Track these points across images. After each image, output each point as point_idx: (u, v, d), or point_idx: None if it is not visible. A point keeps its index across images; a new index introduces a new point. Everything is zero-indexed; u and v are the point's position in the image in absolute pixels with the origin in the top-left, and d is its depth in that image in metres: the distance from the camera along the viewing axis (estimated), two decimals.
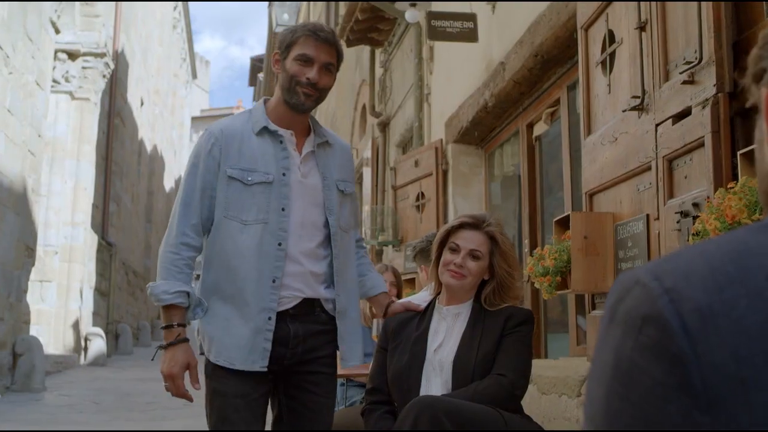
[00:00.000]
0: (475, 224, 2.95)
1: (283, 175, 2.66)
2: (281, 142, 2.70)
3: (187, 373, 2.57)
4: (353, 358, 2.78)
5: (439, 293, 2.99)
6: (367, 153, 12.12)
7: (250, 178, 2.63)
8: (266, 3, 26.35)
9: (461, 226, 2.96)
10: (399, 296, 5.01)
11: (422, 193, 8.55)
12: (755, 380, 0.59)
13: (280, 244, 2.62)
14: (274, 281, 2.60)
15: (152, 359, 2.72)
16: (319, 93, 2.69)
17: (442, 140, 8.29)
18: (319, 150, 2.79)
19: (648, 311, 0.64)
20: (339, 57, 2.74)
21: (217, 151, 2.65)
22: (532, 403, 4.57)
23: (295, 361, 2.66)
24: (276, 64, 2.75)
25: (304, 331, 2.66)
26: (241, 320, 2.59)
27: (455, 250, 2.91)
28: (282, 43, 2.72)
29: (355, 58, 13.58)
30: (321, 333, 2.70)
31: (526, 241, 6.57)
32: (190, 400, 2.59)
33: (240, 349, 2.58)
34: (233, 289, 2.61)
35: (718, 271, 0.64)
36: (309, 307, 2.68)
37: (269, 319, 2.60)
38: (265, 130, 2.70)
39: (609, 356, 0.67)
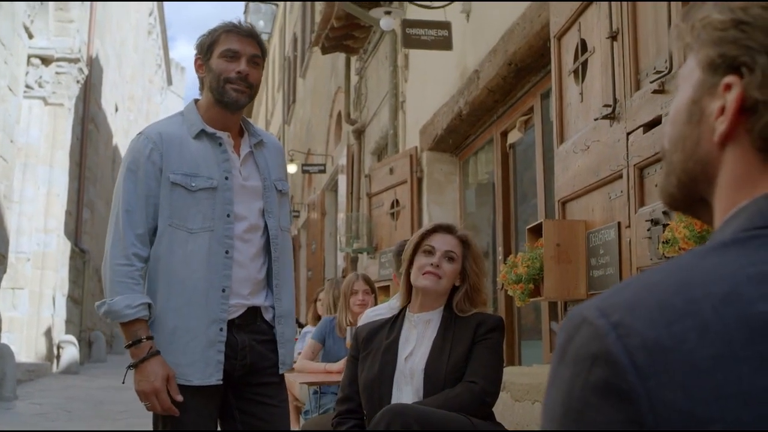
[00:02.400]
0: (448, 228, 3.00)
1: (226, 179, 2.58)
2: (220, 144, 2.62)
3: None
4: (288, 362, 2.72)
5: (408, 302, 2.98)
6: (342, 160, 12.12)
7: (194, 184, 2.53)
8: (242, 10, 26.31)
9: (434, 230, 2.99)
10: (375, 302, 5.01)
11: (397, 201, 8.56)
12: (707, 416, 0.59)
13: (227, 252, 2.54)
14: (223, 290, 2.53)
15: (123, 382, 2.52)
16: (250, 88, 2.63)
17: (416, 148, 8.31)
18: (256, 150, 2.72)
19: (597, 350, 0.64)
20: (263, 50, 2.69)
21: (158, 156, 2.54)
22: (505, 410, 4.57)
23: (244, 372, 2.60)
24: (200, 69, 2.66)
25: (250, 341, 2.60)
26: (190, 333, 2.50)
27: (430, 252, 2.91)
28: (202, 46, 2.65)
29: (330, 65, 13.58)
30: (264, 342, 2.64)
31: (499, 249, 6.59)
32: (177, 414, 2.46)
33: (194, 364, 2.49)
34: (180, 301, 2.51)
35: (666, 304, 0.64)
36: (252, 316, 2.62)
37: (221, 330, 2.53)
38: (202, 133, 2.61)
39: (560, 395, 0.66)
